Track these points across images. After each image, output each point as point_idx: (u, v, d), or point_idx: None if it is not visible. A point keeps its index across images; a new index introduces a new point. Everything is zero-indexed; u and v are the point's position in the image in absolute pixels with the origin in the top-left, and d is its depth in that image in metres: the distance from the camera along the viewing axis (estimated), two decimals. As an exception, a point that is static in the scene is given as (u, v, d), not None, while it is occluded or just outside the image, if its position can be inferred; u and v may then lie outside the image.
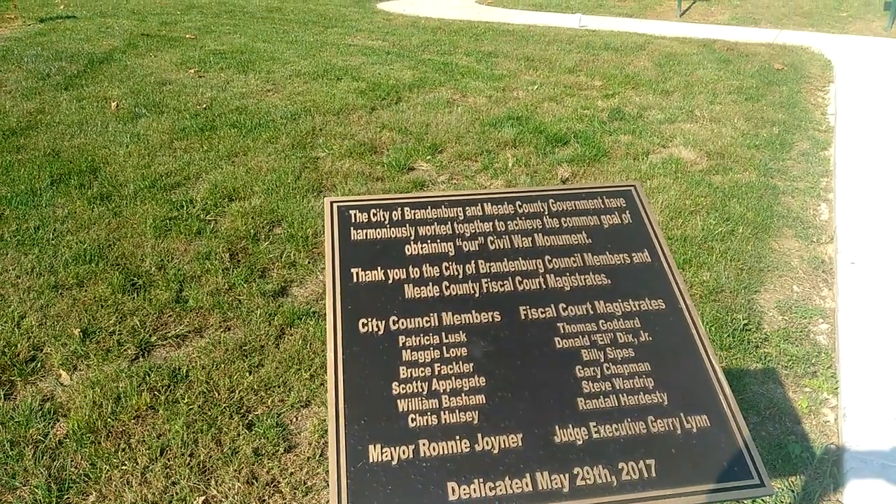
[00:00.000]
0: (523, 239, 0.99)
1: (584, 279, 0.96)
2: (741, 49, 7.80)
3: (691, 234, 3.58)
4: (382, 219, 0.98)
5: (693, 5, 10.62)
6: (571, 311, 0.92)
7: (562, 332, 0.91)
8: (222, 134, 4.83)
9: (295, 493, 2.04)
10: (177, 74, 6.27)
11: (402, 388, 0.85)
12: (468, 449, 0.81)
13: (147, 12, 9.44)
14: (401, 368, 0.86)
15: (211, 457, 2.15)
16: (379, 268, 0.94)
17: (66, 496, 2.01)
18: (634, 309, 0.95)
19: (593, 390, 0.86)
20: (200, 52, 7.01)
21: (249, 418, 2.32)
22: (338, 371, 0.82)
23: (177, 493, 2.02)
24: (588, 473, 0.80)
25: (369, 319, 0.89)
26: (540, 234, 1.00)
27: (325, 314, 2.88)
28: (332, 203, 1.00)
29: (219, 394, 2.41)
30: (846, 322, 2.88)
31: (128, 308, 2.88)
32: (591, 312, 0.93)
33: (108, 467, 2.09)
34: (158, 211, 3.71)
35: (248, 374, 2.51)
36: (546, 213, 1.01)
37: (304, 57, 7.01)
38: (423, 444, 0.81)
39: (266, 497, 2.03)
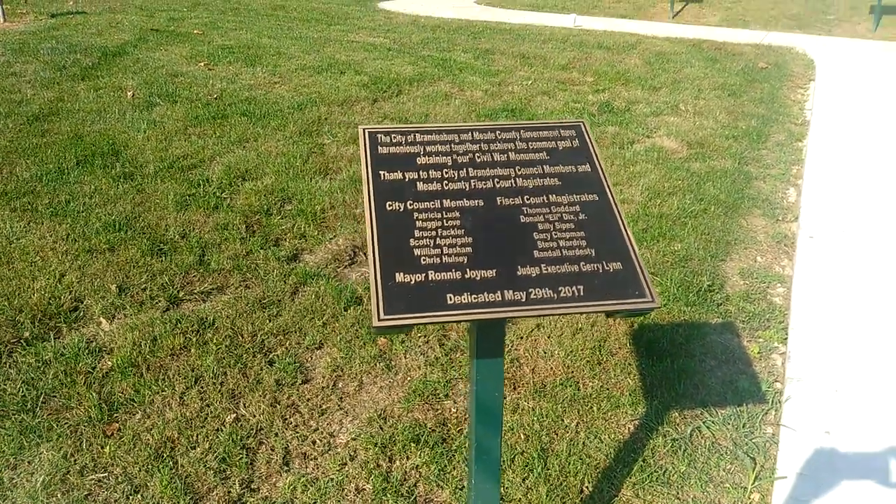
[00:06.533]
0: (501, 155, 1.46)
1: (543, 181, 1.43)
2: (729, 49, 8.16)
3: (667, 212, 3.92)
4: (400, 140, 1.45)
5: (685, 7, 10.99)
6: (533, 200, 1.40)
7: (525, 213, 1.35)
8: (233, 121, 5.16)
9: (312, 413, 2.37)
10: (187, 67, 6.59)
11: (417, 243, 1.31)
12: (460, 278, 1.25)
13: (154, 9, 9.77)
14: (415, 231, 1.34)
15: (238, 385, 2.48)
16: (399, 171, 1.41)
17: (115, 414, 2.33)
18: (576, 199, 1.38)
19: (545, 247, 1.33)
20: (209, 47, 7.33)
21: (270, 357, 2.64)
22: (374, 232, 1.30)
23: (211, 412, 2.35)
24: (538, 293, 1.25)
25: (393, 202, 1.36)
26: (513, 152, 1.47)
27: (334, 276, 3.22)
28: (364, 129, 1.40)
29: (243, 337, 2.74)
30: (800, 285, 3.22)
31: (156, 269, 3.20)
32: (546, 201, 1.36)
33: (150, 393, 2.42)
34: (178, 188, 4.03)
35: (268, 322, 2.83)
36: (518, 139, 1.49)
37: (308, 52, 7.35)
38: (431, 273, 1.28)
39: (287, 416, 2.35)
